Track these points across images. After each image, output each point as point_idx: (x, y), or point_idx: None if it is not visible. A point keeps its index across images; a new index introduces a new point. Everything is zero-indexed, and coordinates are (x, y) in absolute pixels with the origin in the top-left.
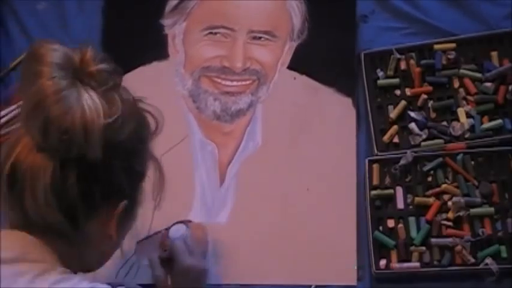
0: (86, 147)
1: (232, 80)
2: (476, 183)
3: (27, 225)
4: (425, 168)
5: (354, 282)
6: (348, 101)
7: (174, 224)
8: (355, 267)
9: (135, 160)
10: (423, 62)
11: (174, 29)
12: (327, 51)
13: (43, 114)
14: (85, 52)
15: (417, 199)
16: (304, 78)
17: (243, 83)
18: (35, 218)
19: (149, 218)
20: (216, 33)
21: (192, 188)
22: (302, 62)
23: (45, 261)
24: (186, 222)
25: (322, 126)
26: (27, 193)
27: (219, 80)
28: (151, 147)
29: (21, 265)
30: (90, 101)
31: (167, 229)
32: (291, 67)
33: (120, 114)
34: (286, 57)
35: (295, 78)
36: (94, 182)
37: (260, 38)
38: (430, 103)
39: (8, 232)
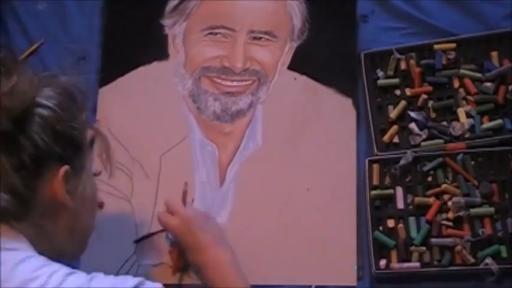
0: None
1: (232, 80)
2: (476, 183)
3: None
4: (425, 168)
5: (354, 283)
6: (348, 101)
7: None
8: (355, 267)
9: (60, 126)
10: (423, 62)
11: (175, 29)
12: (327, 51)
13: None
14: None
15: (417, 199)
16: (304, 78)
17: (243, 83)
18: None
19: (149, 217)
20: (216, 34)
21: (192, 188)
22: (302, 63)
23: (20, 248)
24: None
25: (323, 127)
26: None
27: (219, 80)
28: (81, 116)
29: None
30: None
31: (166, 229)
32: (291, 67)
33: (19, 84)
34: (287, 57)
35: (295, 79)
36: (20, 152)
37: (260, 38)
38: (430, 103)
39: None
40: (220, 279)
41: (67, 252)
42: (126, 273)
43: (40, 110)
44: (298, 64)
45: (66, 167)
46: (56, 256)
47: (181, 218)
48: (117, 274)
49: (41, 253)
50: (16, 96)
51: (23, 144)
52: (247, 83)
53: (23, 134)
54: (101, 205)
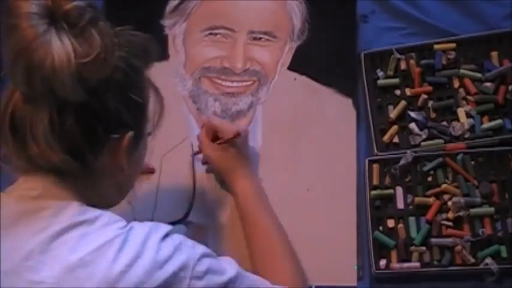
0: (66, 90)
1: (232, 81)
2: (476, 183)
3: (35, 170)
4: (425, 168)
5: (354, 283)
6: (348, 101)
7: (171, 224)
8: (355, 268)
9: (131, 91)
10: (423, 62)
11: (175, 29)
12: (327, 52)
13: (23, 65)
14: None
15: (417, 199)
16: (304, 79)
17: (243, 83)
18: (42, 163)
19: (149, 218)
20: (216, 34)
21: (192, 189)
22: (302, 63)
23: (65, 198)
24: (186, 223)
25: (323, 127)
26: (30, 142)
27: (219, 81)
28: (147, 75)
29: (43, 201)
30: (59, 44)
31: None
32: (291, 68)
33: (102, 49)
34: (287, 58)
35: (295, 79)
36: (93, 120)
37: (260, 38)
38: (430, 103)
39: (28, 175)
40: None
41: (109, 204)
42: None
43: (116, 76)
44: (298, 64)
45: (131, 134)
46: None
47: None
48: None
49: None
50: (97, 66)
51: (97, 111)
52: (248, 83)
53: (98, 100)
54: (151, 171)
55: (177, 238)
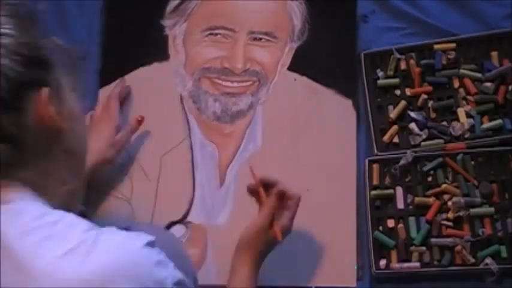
0: None
1: (232, 81)
2: (476, 183)
3: None
4: (425, 168)
5: (354, 283)
6: (348, 102)
7: (171, 225)
8: (355, 268)
9: (23, 49)
10: (423, 62)
11: (175, 29)
12: (328, 52)
13: None
14: None
15: (417, 199)
16: (304, 79)
17: (243, 84)
18: None
19: (149, 218)
20: (216, 34)
21: (192, 189)
22: (302, 63)
23: (23, 199)
24: (185, 223)
25: (323, 128)
26: None
27: (220, 81)
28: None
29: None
30: None
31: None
32: (291, 68)
33: None
34: (287, 58)
35: (295, 80)
36: None
37: (260, 39)
38: (430, 103)
39: None
40: None
41: (72, 198)
42: None
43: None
44: (298, 65)
45: (46, 89)
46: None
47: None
48: None
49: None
50: None
51: None
52: (248, 83)
53: None
54: (140, 122)
55: (160, 252)
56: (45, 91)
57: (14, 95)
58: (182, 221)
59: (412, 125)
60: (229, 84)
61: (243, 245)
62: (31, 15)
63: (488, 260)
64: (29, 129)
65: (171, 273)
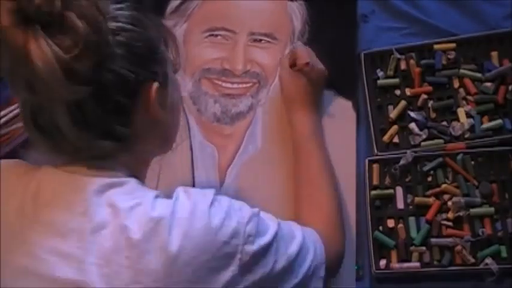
0: (64, 92)
1: (232, 83)
2: (476, 183)
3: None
4: (425, 168)
5: (353, 283)
6: (348, 103)
7: None
8: (355, 268)
9: (137, 47)
10: (423, 62)
11: (175, 30)
12: (328, 53)
13: (15, 79)
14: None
15: (417, 199)
16: None
17: (244, 85)
18: (82, 155)
19: None
20: (216, 35)
21: None
22: None
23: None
24: None
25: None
26: (60, 140)
27: (220, 82)
28: (153, 21)
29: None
30: (38, 52)
31: None
32: None
33: (88, 32)
34: None
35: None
36: (111, 93)
37: (261, 40)
38: (430, 103)
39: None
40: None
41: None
42: None
43: (117, 38)
44: None
45: (155, 85)
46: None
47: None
48: None
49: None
50: (90, 52)
51: (111, 85)
52: (248, 85)
53: (108, 73)
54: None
55: (224, 202)
56: (155, 87)
57: (127, 95)
58: None
59: (412, 125)
60: (229, 85)
61: (293, 102)
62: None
63: (488, 260)
64: (135, 125)
65: (240, 216)
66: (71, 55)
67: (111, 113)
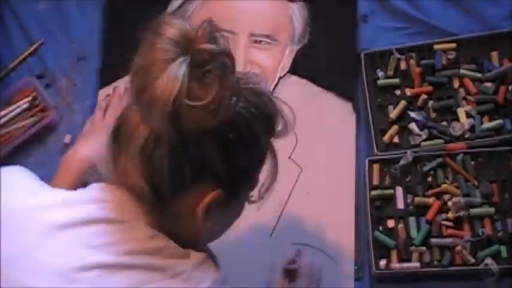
0: (158, 123)
1: None
2: (476, 183)
3: (119, 183)
4: (426, 168)
5: (351, 285)
6: (348, 105)
7: None
8: (355, 268)
9: (236, 151)
10: (423, 62)
11: None
12: (328, 55)
13: (136, 82)
14: (200, 27)
15: (417, 199)
16: (304, 82)
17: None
18: (123, 177)
19: None
20: None
21: None
22: (303, 66)
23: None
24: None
25: (322, 131)
26: (122, 155)
27: None
28: (268, 145)
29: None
30: (172, 76)
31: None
32: (291, 71)
33: (215, 100)
34: (287, 61)
35: (295, 82)
36: (184, 160)
37: (261, 41)
38: (430, 103)
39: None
40: None
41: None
42: None
43: (224, 129)
44: (298, 68)
45: (218, 192)
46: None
47: None
48: None
49: None
50: (202, 114)
51: (192, 155)
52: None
53: (197, 146)
54: None
55: None
56: (216, 193)
57: (193, 175)
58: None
59: (412, 125)
60: None
61: None
62: (271, 111)
63: (488, 260)
64: (177, 202)
65: None
66: (190, 103)
67: (171, 172)
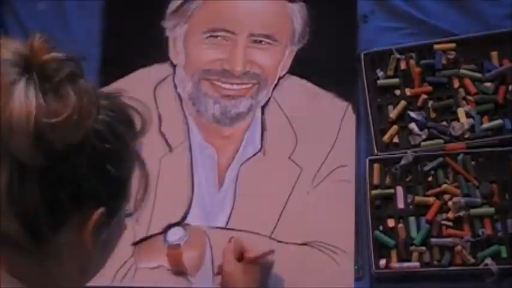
0: (22, 152)
1: (232, 84)
2: (476, 183)
3: None
4: (426, 168)
5: (353, 283)
6: (348, 105)
7: (169, 227)
8: (355, 268)
9: (109, 161)
10: (423, 62)
11: (175, 31)
12: (328, 55)
13: None
14: (32, 41)
15: (417, 199)
16: (304, 82)
17: (243, 86)
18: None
19: (147, 220)
20: (216, 36)
21: (190, 191)
22: (302, 66)
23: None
24: (184, 225)
25: (322, 131)
26: None
27: (219, 83)
28: (133, 147)
29: None
30: (21, 99)
31: (163, 232)
32: (291, 71)
33: (76, 111)
34: (287, 61)
35: (295, 82)
36: (59, 187)
37: (261, 41)
38: (430, 103)
39: None
40: None
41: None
42: (124, 277)
43: (92, 142)
44: (298, 68)
45: (101, 211)
46: None
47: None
48: (114, 277)
49: None
50: (67, 129)
51: (64, 178)
52: (247, 86)
53: (66, 167)
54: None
55: None
56: (99, 212)
57: (71, 202)
58: (181, 223)
59: (412, 125)
60: (229, 86)
61: None
62: (135, 120)
63: (488, 260)
64: (58, 236)
65: None
66: (50, 120)
67: (47, 205)
